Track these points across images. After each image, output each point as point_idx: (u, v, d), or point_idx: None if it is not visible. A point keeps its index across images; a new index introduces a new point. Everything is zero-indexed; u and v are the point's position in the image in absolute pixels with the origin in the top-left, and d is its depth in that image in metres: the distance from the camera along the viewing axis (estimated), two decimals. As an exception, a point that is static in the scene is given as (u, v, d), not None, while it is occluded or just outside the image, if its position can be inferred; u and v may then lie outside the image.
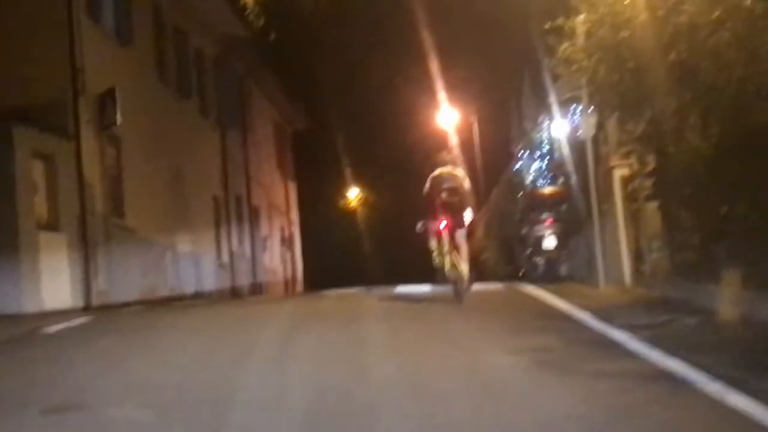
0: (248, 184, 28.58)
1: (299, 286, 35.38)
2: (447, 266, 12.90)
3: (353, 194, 48.22)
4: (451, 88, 35.50)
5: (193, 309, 14.98)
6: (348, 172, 44.93)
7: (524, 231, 17.88)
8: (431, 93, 35.92)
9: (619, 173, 14.78)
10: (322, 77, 40.60)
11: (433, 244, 13.12)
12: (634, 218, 14.54)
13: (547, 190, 17.53)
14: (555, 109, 19.51)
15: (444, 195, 13.04)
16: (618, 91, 11.58)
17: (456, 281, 12.88)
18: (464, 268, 12.92)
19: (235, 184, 27.15)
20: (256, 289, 27.96)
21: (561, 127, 19.90)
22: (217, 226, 25.25)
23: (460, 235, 13.08)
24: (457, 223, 13.03)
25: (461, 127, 36.37)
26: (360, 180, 47.01)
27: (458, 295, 12.75)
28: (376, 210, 47.21)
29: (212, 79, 26.46)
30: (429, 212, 13.11)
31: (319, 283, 37.96)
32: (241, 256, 27.28)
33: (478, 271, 30.85)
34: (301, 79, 37.19)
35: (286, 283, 32.95)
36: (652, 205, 13.78)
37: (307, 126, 37.84)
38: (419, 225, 13.24)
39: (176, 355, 9.33)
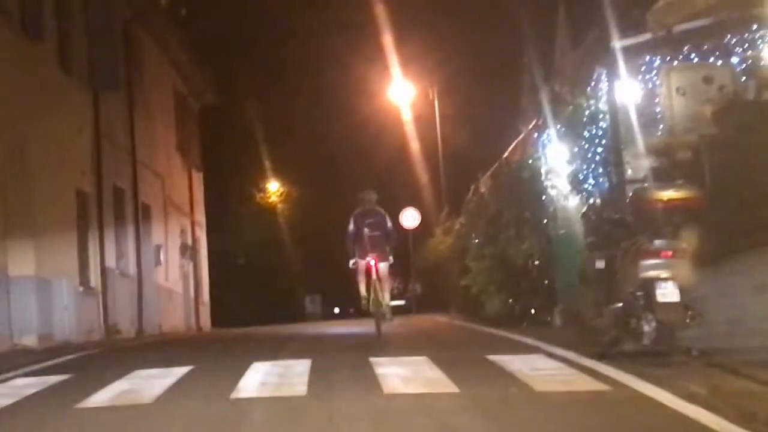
0: (135, 172, 21.85)
1: (206, 312, 28.19)
2: (372, 306, 14.16)
3: (274, 188, 42.22)
4: (407, 55, 29.69)
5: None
6: (269, 160, 39.79)
7: (600, 265, 10.01)
8: (380, 63, 30.28)
9: None
10: (240, 38, 35.08)
11: (362, 288, 14.45)
12: None
13: (666, 195, 9.54)
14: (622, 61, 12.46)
15: (367, 230, 14.22)
16: None
17: (379, 318, 14.10)
18: (386, 298, 14.38)
19: (115, 171, 20.34)
20: (143, 327, 20.61)
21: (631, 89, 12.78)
22: (83, 233, 18.31)
23: (383, 267, 14.33)
24: (380, 256, 14.28)
25: (418, 103, 30.15)
26: (283, 170, 41.90)
27: (378, 332, 13.92)
28: (302, 206, 41.75)
29: (80, 18, 19.24)
30: (357, 249, 14.31)
31: (233, 304, 31.47)
32: (122, 275, 20.23)
33: (452, 303, 24.32)
34: (214, 39, 31.48)
35: (187, 319, 25.64)
36: None
37: (219, 100, 31.87)
38: (352, 262, 14.43)
39: None
